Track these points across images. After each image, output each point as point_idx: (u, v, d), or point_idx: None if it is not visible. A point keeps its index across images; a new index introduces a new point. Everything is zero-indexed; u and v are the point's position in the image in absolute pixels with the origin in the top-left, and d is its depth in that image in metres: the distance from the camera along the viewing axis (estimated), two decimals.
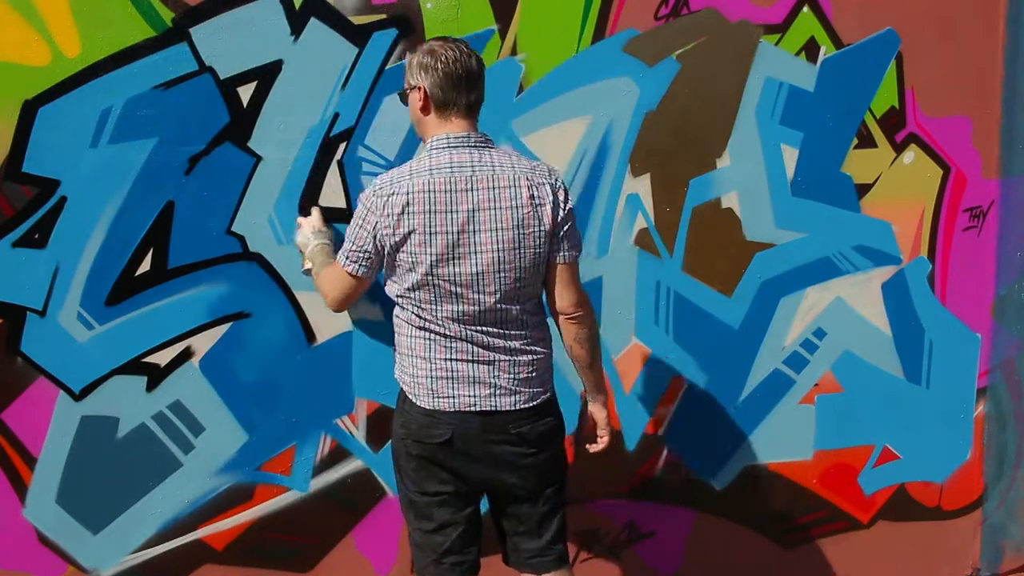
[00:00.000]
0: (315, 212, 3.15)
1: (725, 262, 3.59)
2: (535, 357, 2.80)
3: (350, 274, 2.81)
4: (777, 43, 3.51)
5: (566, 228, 2.75)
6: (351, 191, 3.23)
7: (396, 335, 2.85)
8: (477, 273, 2.67)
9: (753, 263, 3.60)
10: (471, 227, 2.66)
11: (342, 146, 3.20)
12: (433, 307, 2.71)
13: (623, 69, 3.38)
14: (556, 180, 2.75)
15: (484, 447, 2.78)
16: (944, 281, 3.82)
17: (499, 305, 2.71)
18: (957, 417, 3.93)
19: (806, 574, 3.88)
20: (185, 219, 3.11)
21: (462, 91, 2.70)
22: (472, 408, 2.75)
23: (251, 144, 3.13)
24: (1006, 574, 4.12)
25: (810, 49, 3.54)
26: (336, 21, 3.14)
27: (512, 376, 2.77)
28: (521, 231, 2.68)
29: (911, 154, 3.71)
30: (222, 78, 3.07)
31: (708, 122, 3.50)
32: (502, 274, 2.69)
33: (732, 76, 3.49)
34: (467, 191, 2.65)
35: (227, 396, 3.25)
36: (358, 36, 3.16)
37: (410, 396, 2.81)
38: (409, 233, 2.66)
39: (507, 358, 2.76)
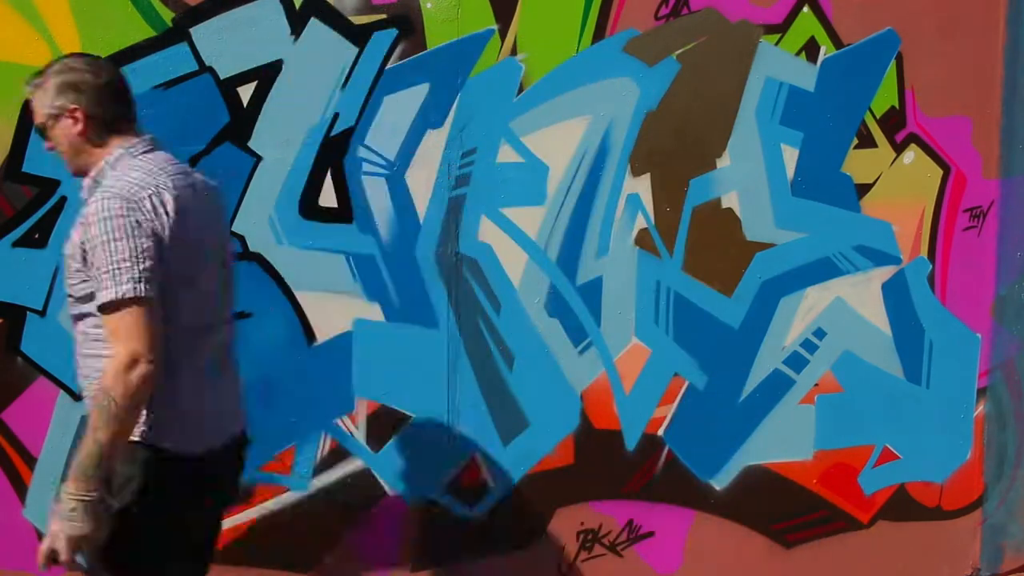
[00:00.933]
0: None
1: (725, 262, 3.59)
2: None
3: (141, 293, 2.27)
4: (777, 43, 3.51)
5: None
6: (351, 191, 3.23)
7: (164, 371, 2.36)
8: (211, 283, 2.47)
9: (753, 263, 3.60)
10: (202, 235, 2.42)
11: (342, 146, 3.20)
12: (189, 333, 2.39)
13: (623, 69, 3.38)
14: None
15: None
16: (944, 281, 3.82)
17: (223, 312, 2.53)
18: (957, 417, 3.93)
19: (806, 574, 3.88)
20: None
21: (122, 105, 2.44)
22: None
23: (251, 144, 3.14)
24: (1006, 574, 4.12)
25: (810, 49, 3.54)
26: (336, 21, 3.14)
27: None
28: (224, 228, 2.61)
29: (911, 154, 3.71)
30: (222, 78, 3.07)
31: (708, 122, 3.49)
32: (225, 280, 2.53)
33: (732, 76, 3.49)
34: (188, 189, 2.42)
35: None
36: (358, 36, 3.16)
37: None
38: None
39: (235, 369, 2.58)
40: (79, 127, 2.35)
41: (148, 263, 2.22)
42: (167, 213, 2.27)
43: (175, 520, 2.37)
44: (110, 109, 2.38)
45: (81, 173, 2.41)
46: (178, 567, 2.45)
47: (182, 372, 2.33)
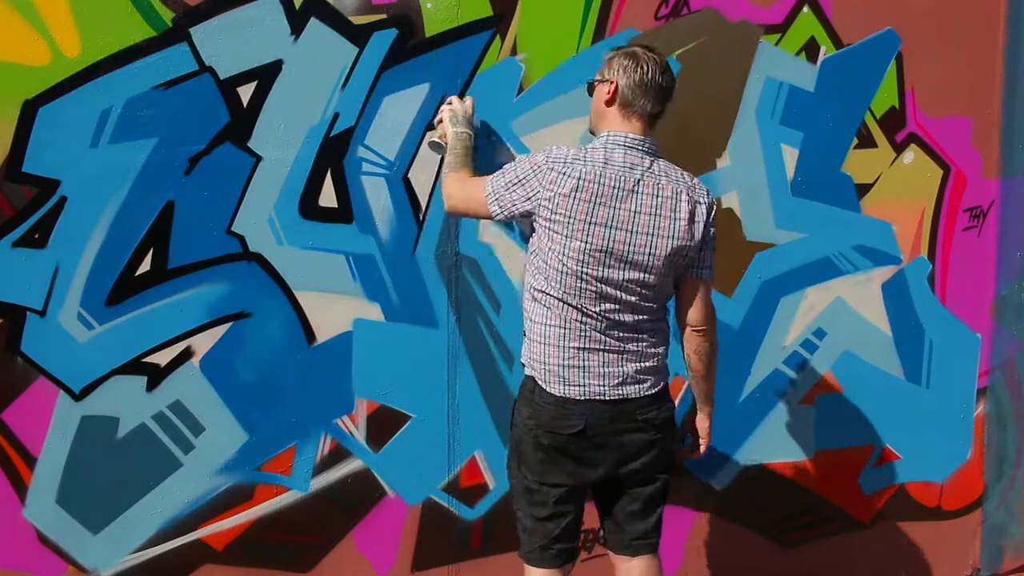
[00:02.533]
0: (469, 101, 3.18)
1: (725, 262, 3.58)
2: (657, 351, 2.89)
3: (490, 207, 2.86)
4: (777, 43, 3.51)
5: (709, 247, 2.86)
6: (351, 191, 3.23)
7: (528, 321, 2.88)
8: (627, 271, 2.75)
9: (753, 263, 3.60)
10: (630, 227, 2.73)
11: (342, 146, 3.20)
12: (574, 295, 2.76)
13: None
14: (710, 201, 2.85)
15: (615, 436, 2.85)
16: (944, 281, 3.82)
17: (638, 304, 2.80)
18: (957, 417, 3.93)
19: (806, 574, 3.88)
20: (185, 219, 3.11)
21: (649, 99, 2.80)
22: (601, 397, 2.82)
23: (251, 144, 3.14)
24: (1006, 574, 4.12)
25: (810, 49, 3.54)
26: (336, 21, 3.14)
27: (638, 366, 2.84)
28: (673, 241, 2.77)
29: (911, 154, 3.71)
30: (222, 78, 3.07)
31: (708, 122, 3.50)
32: (647, 277, 2.77)
33: (732, 76, 3.49)
34: (632, 192, 2.74)
35: (227, 396, 3.25)
36: (358, 36, 3.16)
37: (540, 383, 2.86)
38: (570, 216, 2.72)
39: (635, 348, 2.84)
40: None
41: None
42: None
43: None
44: None
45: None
46: None
47: None
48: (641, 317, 2.83)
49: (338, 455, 3.38)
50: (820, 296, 3.69)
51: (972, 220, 3.82)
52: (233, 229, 3.17)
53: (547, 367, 2.83)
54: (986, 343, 3.91)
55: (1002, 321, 3.93)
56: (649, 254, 2.75)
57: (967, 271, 3.83)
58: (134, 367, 3.16)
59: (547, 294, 2.80)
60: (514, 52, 3.29)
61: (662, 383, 2.93)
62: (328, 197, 3.22)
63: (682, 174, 2.84)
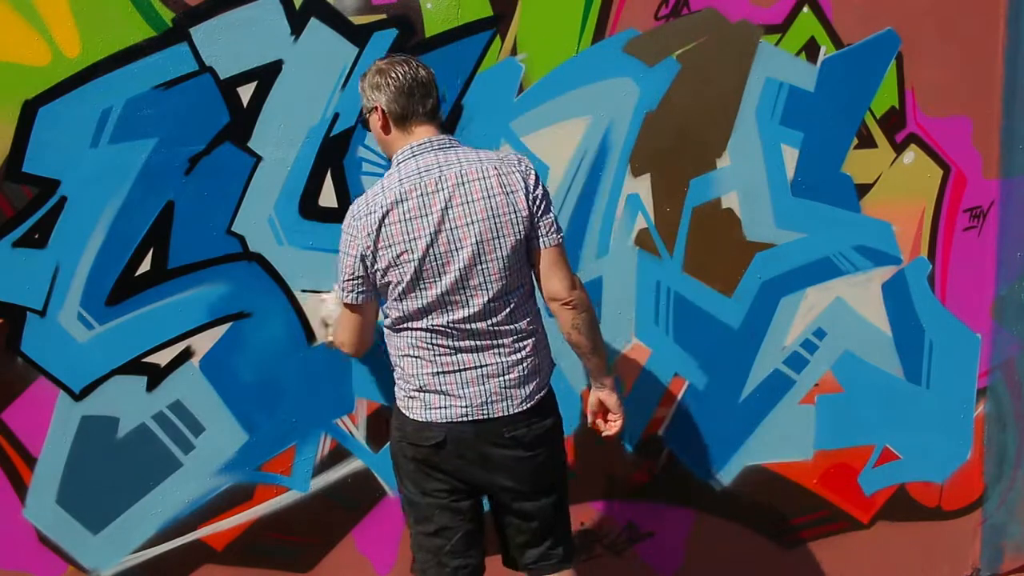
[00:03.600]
0: (336, 288, 3.01)
1: (725, 262, 3.59)
2: (526, 355, 2.76)
3: (349, 305, 2.81)
4: (777, 43, 3.51)
5: (540, 212, 2.72)
6: (351, 191, 3.23)
7: (388, 354, 2.85)
8: (462, 268, 2.66)
9: (753, 263, 3.60)
10: (447, 225, 2.65)
11: (342, 146, 3.20)
12: (422, 319, 2.71)
13: (623, 69, 3.38)
14: (526, 167, 2.74)
15: (477, 450, 2.76)
16: (944, 281, 3.82)
17: (487, 304, 2.69)
18: (957, 417, 3.93)
19: (806, 574, 3.88)
20: (185, 219, 3.11)
21: (417, 99, 2.72)
22: (464, 419, 2.74)
23: (251, 144, 3.13)
24: (1006, 574, 4.12)
25: (810, 49, 3.54)
26: (336, 21, 3.14)
27: (502, 380, 2.74)
28: (497, 220, 2.67)
29: (911, 154, 3.71)
30: (222, 78, 3.07)
31: (708, 122, 3.50)
32: (484, 265, 2.67)
33: (732, 76, 3.49)
34: (437, 192, 2.66)
35: (227, 396, 3.25)
36: (358, 36, 3.16)
37: (402, 409, 2.82)
38: (390, 246, 2.67)
39: (496, 361, 2.73)
40: None
41: None
42: None
43: None
44: None
45: None
46: None
47: None
48: (496, 320, 2.71)
49: (338, 455, 3.38)
50: (820, 296, 3.69)
51: (972, 220, 3.82)
52: (233, 229, 3.17)
53: (408, 395, 2.78)
54: (986, 343, 3.91)
55: (1002, 321, 3.93)
56: (476, 242, 2.65)
57: (967, 271, 3.83)
58: (134, 367, 3.16)
59: (394, 326, 2.76)
60: (514, 52, 3.29)
61: (539, 393, 2.79)
62: (328, 197, 3.22)
63: (484, 153, 2.74)
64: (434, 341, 2.72)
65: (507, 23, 3.27)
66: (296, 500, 3.37)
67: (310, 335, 3.28)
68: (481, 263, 2.67)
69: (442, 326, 2.70)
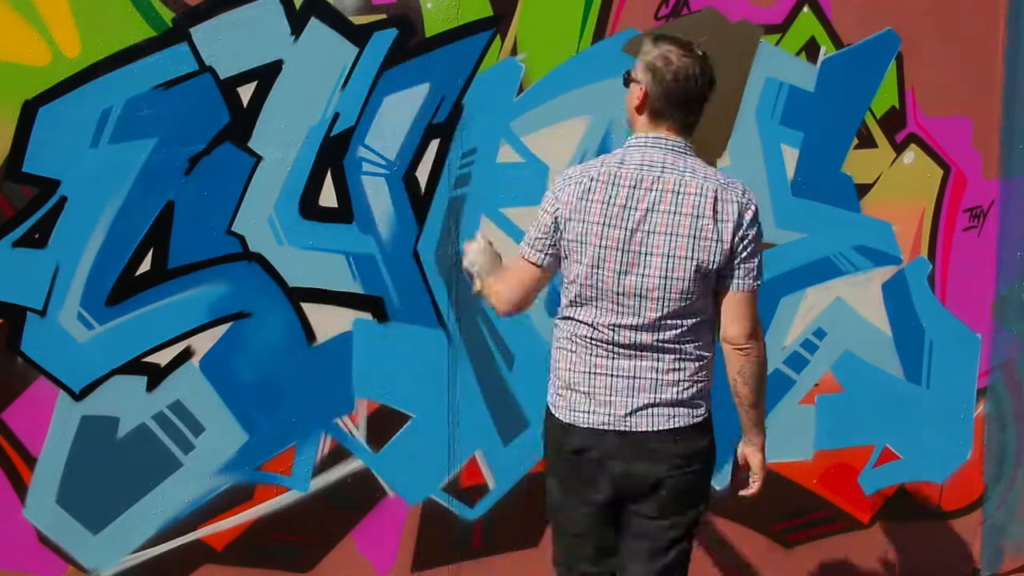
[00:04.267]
0: (479, 236, 2.87)
1: None
2: (684, 378, 2.59)
3: (531, 262, 2.64)
4: (777, 43, 3.51)
5: (744, 253, 2.53)
6: (351, 191, 3.23)
7: (555, 336, 2.69)
8: (644, 275, 2.51)
9: None
10: (646, 226, 2.50)
11: (342, 146, 3.20)
12: (589, 311, 2.57)
13: (623, 69, 3.36)
14: (747, 200, 2.54)
15: (622, 463, 2.60)
16: (944, 281, 3.82)
17: (659, 319, 2.54)
18: (957, 417, 3.93)
19: (806, 574, 3.88)
20: (185, 219, 3.11)
21: (678, 110, 2.55)
22: (604, 427, 2.58)
23: (251, 144, 3.14)
24: (1006, 574, 4.12)
25: (810, 49, 3.54)
26: (336, 21, 3.14)
27: (653, 396, 2.57)
28: (696, 241, 2.49)
29: (911, 154, 3.71)
30: (222, 78, 3.08)
31: (708, 122, 3.47)
32: (668, 281, 2.51)
33: (732, 76, 3.49)
34: (650, 190, 2.51)
35: (227, 396, 3.25)
36: (358, 36, 3.16)
37: (550, 406, 2.70)
38: (583, 221, 2.52)
39: (651, 377, 2.57)
40: None
41: None
42: None
43: None
44: None
45: None
46: None
47: None
48: (663, 337, 2.55)
49: (338, 455, 3.38)
50: (820, 296, 3.69)
51: (972, 220, 3.82)
52: (233, 229, 3.17)
53: (556, 391, 2.66)
54: (986, 343, 3.91)
55: (1002, 321, 3.93)
56: (668, 255, 2.49)
57: (967, 271, 3.83)
58: (134, 367, 3.16)
59: (564, 314, 2.64)
60: (514, 52, 3.29)
61: (691, 419, 2.61)
62: (328, 197, 3.22)
63: (715, 173, 2.57)
64: (594, 337, 2.57)
65: (507, 23, 3.27)
66: (296, 500, 3.37)
67: (310, 335, 3.28)
68: (666, 277, 2.50)
69: (606, 325, 2.56)
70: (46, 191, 3.01)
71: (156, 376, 3.18)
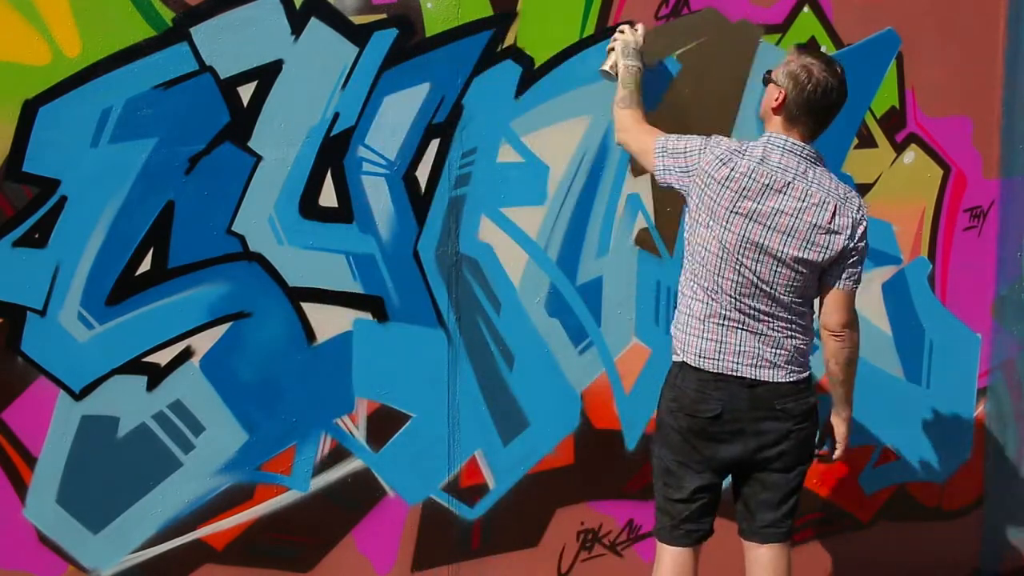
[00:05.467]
0: (641, 29, 3.24)
1: None
2: (795, 341, 2.94)
3: (655, 167, 3.00)
4: (777, 43, 3.51)
5: (850, 261, 2.90)
6: (351, 191, 3.23)
7: (679, 291, 3.01)
8: (760, 262, 2.84)
9: None
10: (767, 222, 2.83)
11: (342, 146, 3.20)
12: (716, 273, 2.87)
13: None
14: (861, 215, 2.90)
15: (752, 423, 2.93)
16: (944, 281, 3.82)
17: (774, 293, 2.88)
18: (957, 417, 3.93)
19: (806, 574, 3.88)
20: (185, 219, 3.11)
21: (812, 119, 2.87)
22: (734, 373, 2.90)
23: (251, 144, 3.14)
24: (1006, 574, 4.12)
25: None
26: (336, 21, 3.14)
27: (775, 351, 2.91)
28: (808, 248, 2.84)
29: (911, 154, 3.71)
30: (222, 78, 3.07)
31: (708, 122, 3.49)
32: (781, 271, 2.85)
33: (732, 76, 3.49)
34: (780, 193, 2.83)
35: (227, 396, 3.25)
36: (358, 36, 3.16)
37: (678, 350, 2.98)
38: (715, 203, 2.84)
39: (773, 334, 2.91)
40: None
41: None
42: None
43: None
44: None
45: None
46: None
47: None
48: (780, 308, 2.89)
49: (338, 455, 3.38)
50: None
51: (972, 220, 3.83)
52: (233, 229, 3.17)
53: (687, 339, 2.94)
54: (986, 343, 3.91)
55: (1002, 321, 3.93)
56: (782, 252, 2.83)
57: (967, 271, 3.83)
58: (134, 367, 3.16)
59: (693, 274, 2.93)
60: (514, 52, 3.29)
61: (802, 374, 2.98)
62: (328, 197, 3.22)
63: (838, 186, 2.90)
64: (723, 301, 2.89)
65: (507, 23, 3.27)
66: (296, 500, 3.37)
67: (310, 335, 3.28)
68: (780, 268, 2.85)
69: (733, 289, 2.87)
70: (46, 191, 3.01)
71: (156, 376, 3.18)
